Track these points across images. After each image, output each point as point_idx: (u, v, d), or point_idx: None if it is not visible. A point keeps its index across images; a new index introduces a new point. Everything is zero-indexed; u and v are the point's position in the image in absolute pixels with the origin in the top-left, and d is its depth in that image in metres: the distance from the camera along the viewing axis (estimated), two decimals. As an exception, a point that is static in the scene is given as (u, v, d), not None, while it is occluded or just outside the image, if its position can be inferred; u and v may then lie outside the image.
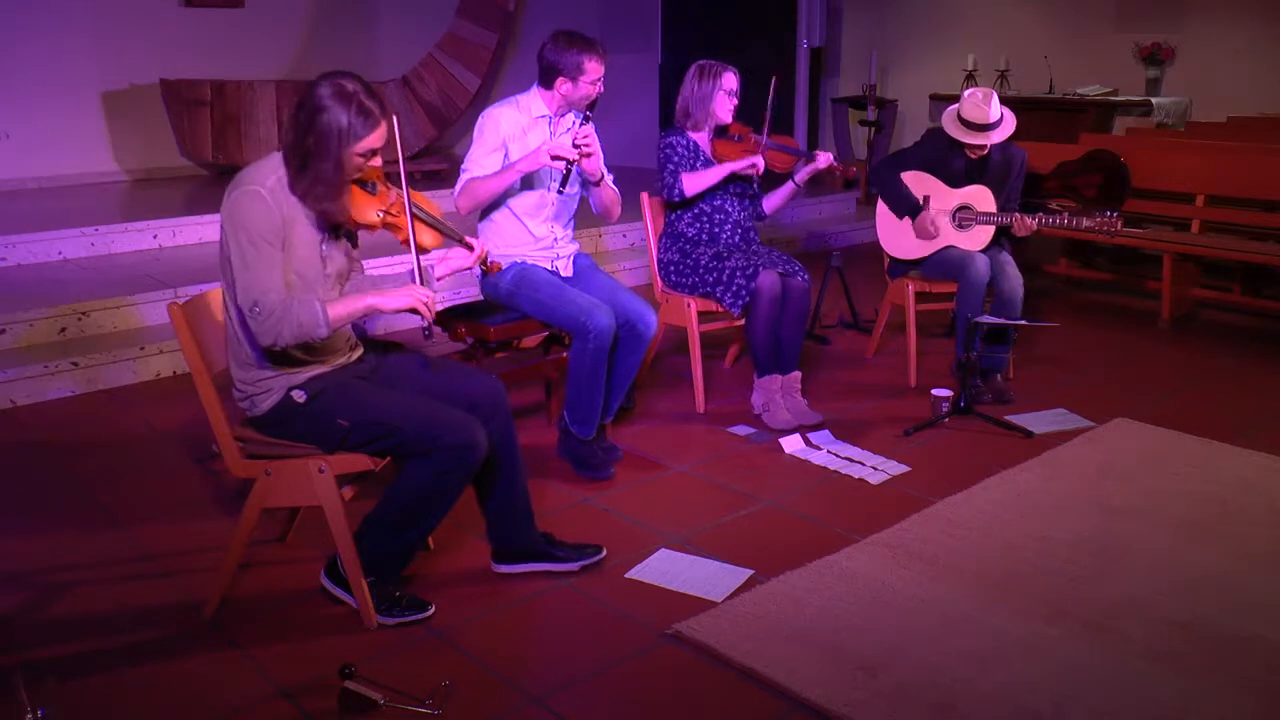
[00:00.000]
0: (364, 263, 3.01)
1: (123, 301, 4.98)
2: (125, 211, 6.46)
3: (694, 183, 4.18)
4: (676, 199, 4.22)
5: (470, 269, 2.97)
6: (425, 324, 2.70)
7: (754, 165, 4.16)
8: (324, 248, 2.69)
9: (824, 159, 4.23)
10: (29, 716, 2.10)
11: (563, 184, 3.68)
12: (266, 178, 2.58)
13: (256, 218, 2.54)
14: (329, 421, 2.68)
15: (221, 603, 2.84)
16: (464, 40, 7.93)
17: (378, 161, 2.66)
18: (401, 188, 2.72)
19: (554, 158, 3.52)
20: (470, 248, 2.92)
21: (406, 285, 2.73)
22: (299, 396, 2.69)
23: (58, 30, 7.10)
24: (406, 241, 2.74)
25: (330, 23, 8.28)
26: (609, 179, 3.83)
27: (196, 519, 3.40)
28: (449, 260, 2.93)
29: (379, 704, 2.42)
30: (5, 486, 3.67)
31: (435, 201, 2.97)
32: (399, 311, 2.71)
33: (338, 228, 2.72)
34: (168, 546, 3.21)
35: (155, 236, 6.02)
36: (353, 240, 2.84)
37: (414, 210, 2.77)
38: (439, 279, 2.90)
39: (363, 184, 2.70)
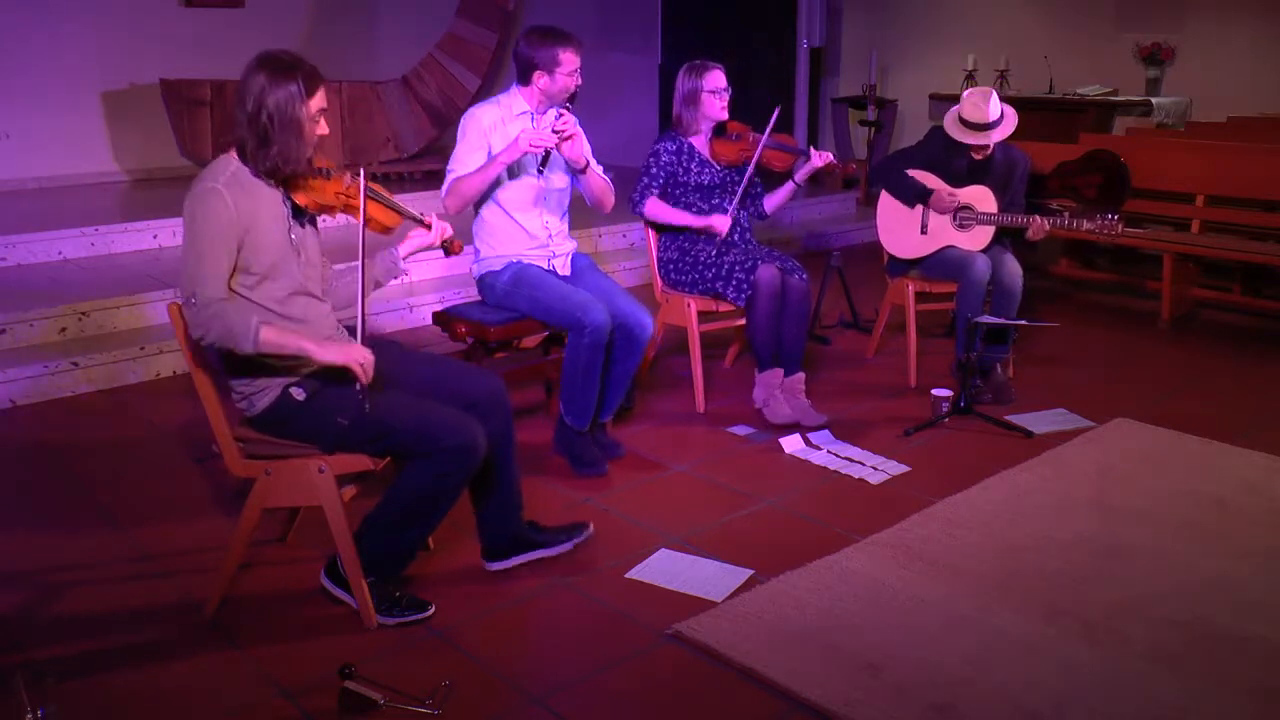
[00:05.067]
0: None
1: (123, 301, 4.98)
2: (125, 211, 6.46)
3: (656, 212, 4.24)
4: (636, 212, 4.27)
5: (433, 246, 2.99)
6: (360, 387, 2.64)
7: (711, 227, 4.20)
8: (293, 235, 2.72)
9: (822, 157, 4.22)
10: (29, 716, 2.11)
11: (541, 164, 3.65)
12: (221, 174, 2.63)
13: (211, 215, 2.57)
14: (328, 420, 2.68)
15: (221, 603, 2.84)
16: (464, 40, 7.93)
17: (324, 128, 2.70)
18: (358, 177, 2.77)
19: (532, 145, 3.53)
20: (429, 227, 2.95)
21: (348, 342, 2.71)
22: (298, 394, 2.69)
23: (58, 30, 7.10)
24: (366, 220, 2.76)
25: (330, 23, 8.27)
26: (598, 168, 3.83)
27: (196, 519, 3.40)
28: (411, 240, 2.98)
29: (379, 704, 2.42)
30: (5, 486, 3.67)
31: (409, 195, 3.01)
32: (331, 365, 2.63)
33: (302, 213, 2.76)
34: (168, 546, 3.21)
35: (155, 236, 6.02)
36: (315, 227, 2.87)
37: (370, 193, 2.79)
38: (403, 258, 2.98)
39: (318, 172, 2.75)
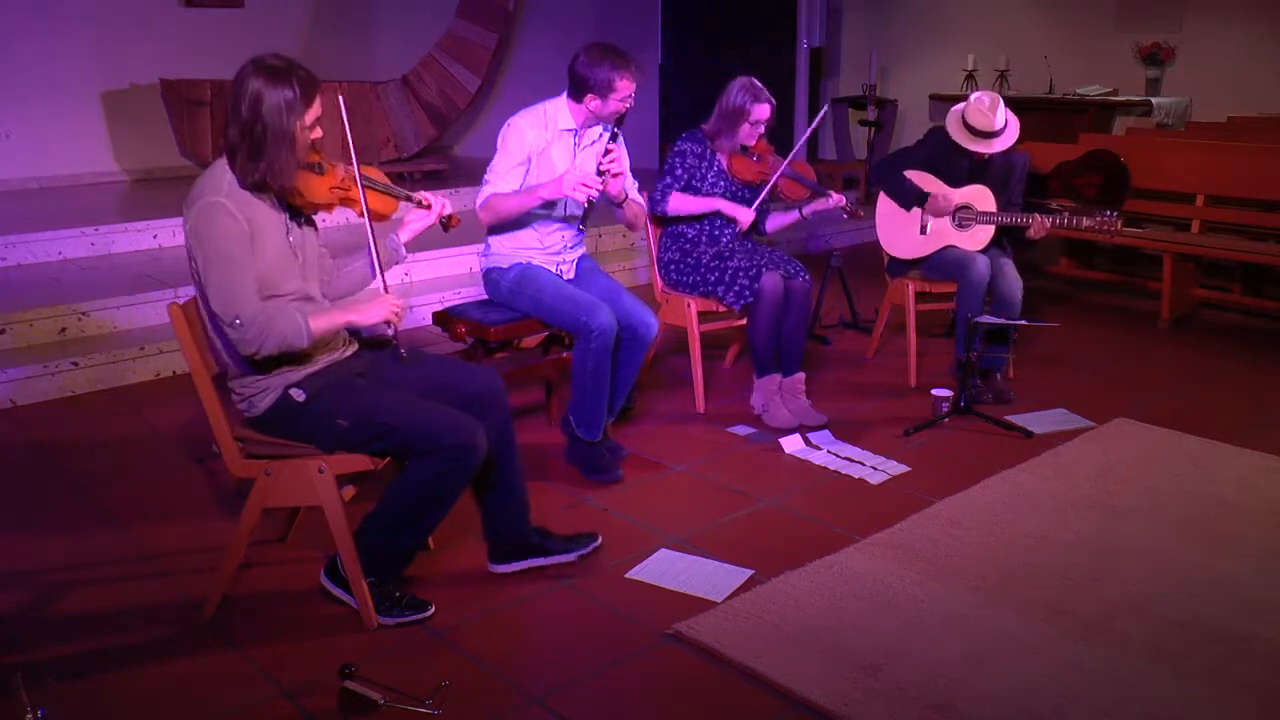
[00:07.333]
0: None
1: (123, 301, 4.98)
2: (125, 211, 6.46)
3: (680, 205, 4.19)
4: (658, 213, 4.23)
5: (432, 226, 2.98)
6: (394, 336, 2.76)
7: (738, 221, 4.18)
8: (291, 238, 2.69)
9: (836, 199, 4.19)
10: (29, 716, 2.11)
11: (584, 220, 3.65)
12: (220, 184, 2.56)
13: (222, 233, 2.52)
14: (328, 421, 2.68)
15: (221, 602, 2.84)
16: (464, 40, 7.93)
17: (319, 133, 2.65)
18: (350, 164, 2.73)
19: (576, 190, 3.48)
20: (427, 206, 2.94)
21: (377, 297, 2.75)
22: (298, 395, 2.69)
23: (58, 30, 7.10)
24: (364, 213, 2.75)
25: (330, 23, 8.27)
26: (633, 192, 3.81)
27: (196, 519, 3.40)
28: (410, 224, 2.97)
29: (379, 704, 2.42)
30: (5, 486, 3.67)
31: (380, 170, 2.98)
32: (375, 325, 2.75)
33: (299, 213, 2.73)
34: (168, 546, 3.21)
35: (155, 236, 6.02)
36: (313, 225, 2.83)
37: (365, 181, 2.77)
38: (404, 243, 2.97)
39: (310, 166, 2.69)
